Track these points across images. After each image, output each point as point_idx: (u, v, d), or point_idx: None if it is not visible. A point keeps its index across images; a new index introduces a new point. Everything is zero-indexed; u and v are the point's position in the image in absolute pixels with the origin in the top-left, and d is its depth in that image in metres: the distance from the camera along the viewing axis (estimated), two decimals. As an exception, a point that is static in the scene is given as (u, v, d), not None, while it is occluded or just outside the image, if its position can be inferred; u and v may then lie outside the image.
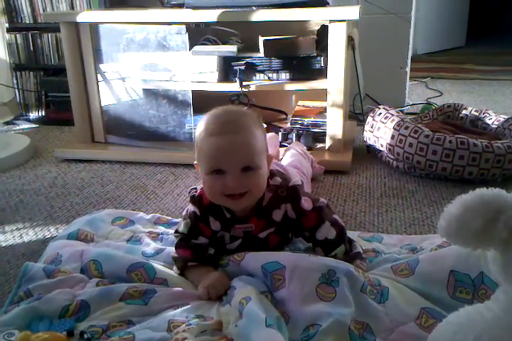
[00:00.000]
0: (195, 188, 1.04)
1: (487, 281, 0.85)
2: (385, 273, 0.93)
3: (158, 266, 0.98)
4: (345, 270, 0.87)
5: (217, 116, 0.95)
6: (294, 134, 1.73)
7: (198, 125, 0.96)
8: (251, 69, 1.72)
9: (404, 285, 0.90)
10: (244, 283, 0.90)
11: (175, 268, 0.99)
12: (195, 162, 0.99)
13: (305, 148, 1.58)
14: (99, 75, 1.78)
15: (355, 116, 2.09)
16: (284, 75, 1.72)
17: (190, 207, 1.01)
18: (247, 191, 0.92)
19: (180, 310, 0.86)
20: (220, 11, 1.59)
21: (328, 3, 1.67)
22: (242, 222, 0.99)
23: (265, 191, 0.97)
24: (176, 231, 1.03)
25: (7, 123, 2.32)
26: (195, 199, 1.00)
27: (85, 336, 0.81)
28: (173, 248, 1.02)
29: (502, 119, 1.74)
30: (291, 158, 1.43)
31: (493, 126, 1.75)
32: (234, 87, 1.70)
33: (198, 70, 1.72)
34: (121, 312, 0.87)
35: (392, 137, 1.55)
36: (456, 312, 0.71)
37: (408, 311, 0.84)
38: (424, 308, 0.85)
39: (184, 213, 1.04)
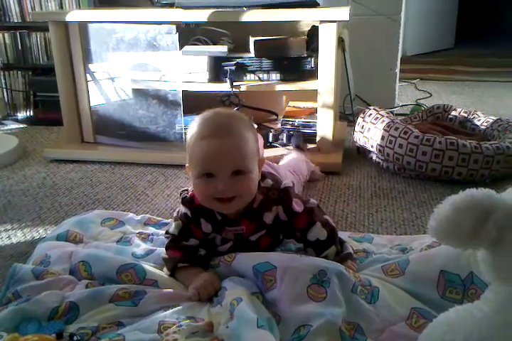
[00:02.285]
0: (187, 190, 1.03)
1: (477, 281, 0.85)
2: (376, 274, 0.94)
3: (148, 267, 0.97)
4: (336, 270, 0.87)
5: (208, 119, 0.94)
6: (285, 135, 1.73)
7: (190, 128, 0.95)
8: (241, 70, 1.72)
9: (394, 286, 0.90)
10: (235, 283, 0.90)
11: (165, 269, 0.98)
12: (187, 165, 0.98)
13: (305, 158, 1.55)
14: (88, 75, 1.77)
15: (346, 117, 2.10)
16: (275, 76, 1.72)
17: (182, 209, 1.01)
18: (236, 195, 0.92)
19: (170, 311, 0.86)
20: (210, 11, 1.58)
21: (318, 4, 1.67)
22: (233, 225, 0.98)
23: (256, 193, 0.97)
24: (167, 232, 1.02)
25: (-5, 123, 2.30)
26: (187, 201, 1.00)
27: (75, 338, 0.80)
28: (164, 249, 1.01)
29: (491, 120, 1.75)
30: (287, 161, 1.44)
31: (482, 127, 1.76)
32: (224, 87, 1.70)
33: (189, 70, 1.71)
34: (111, 314, 0.86)
35: (382, 138, 1.55)
36: (446, 312, 0.71)
37: (398, 311, 0.85)
38: (414, 308, 0.85)
39: (175, 214, 1.03)
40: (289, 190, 1.00)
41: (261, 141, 1.60)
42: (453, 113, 1.86)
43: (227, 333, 0.79)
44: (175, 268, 0.97)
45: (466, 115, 1.83)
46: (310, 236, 0.98)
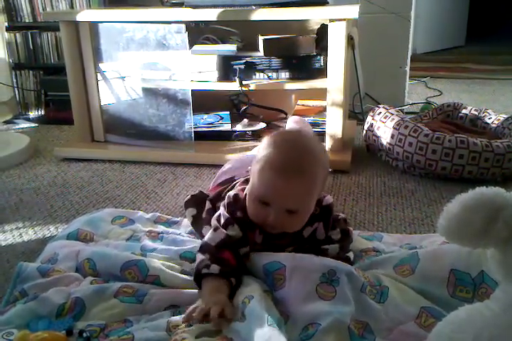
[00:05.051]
0: (238, 195, 0.97)
1: (487, 280, 0.85)
2: (386, 271, 0.93)
3: (151, 262, 0.96)
4: (345, 270, 0.87)
5: (284, 149, 0.90)
6: (294, 133, 1.73)
7: (265, 144, 0.92)
8: (251, 69, 1.72)
9: (404, 285, 0.90)
10: (247, 281, 0.89)
11: (201, 266, 0.88)
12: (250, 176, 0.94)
13: (306, 122, 1.60)
14: (98, 74, 1.78)
15: (355, 115, 2.09)
16: (284, 74, 1.72)
17: (239, 213, 0.95)
18: (283, 230, 0.93)
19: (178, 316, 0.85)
20: (219, 10, 1.59)
21: (327, 2, 1.67)
22: (279, 238, 0.97)
23: None
24: (219, 227, 0.94)
25: (7, 122, 2.32)
26: (240, 207, 0.95)
27: (84, 335, 0.81)
28: (209, 241, 0.92)
29: (502, 118, 1.74)
30: None
31: (493, 125, 1.75)
32: (234, 86, 1.70)
33: (198, 69, 1.72)
34: (117, 311, 0.86)
35: (392, 136, 1.55)
36: (456, 311, 0.71)
37: (408, 310, 0.84)
38: (423, 307, 0.84)
39: (222, 219, 0.95)
40: (331, 207, 1.00)
41: None
42: (463, 111, 1.85)
43: (235, 329, 0.79)
44: (224, 274, 0.87)
45: (476, 113, 1.82)
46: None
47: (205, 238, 0.95)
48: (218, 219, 0.96)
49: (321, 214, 0.99)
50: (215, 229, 0.94)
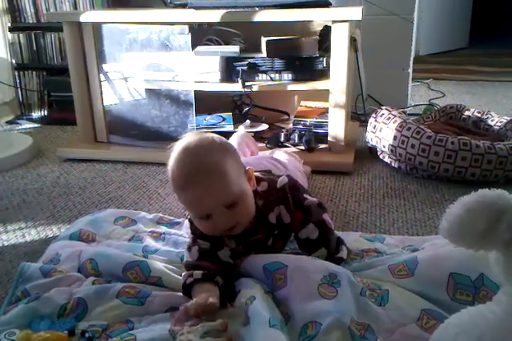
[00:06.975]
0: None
1: (487, 283, 0.85)
2: (384, 276, 0.92)
3: (154, 264, 0.96)
4: (346, 275, 0.87)
5: (179, 163, 0.91)
6: (296, 135, 1.73)
7: (169, 167, 0.93)
8: (253, 70, 1.72)
9: (404, 288, 0.90)
10: (248, 283, 0.90)
11: (187, 276, 0.91)
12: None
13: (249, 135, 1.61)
14: (101, 75, 1.78)
15: (358, 116, 2.09)
16: (287, 76, 1.72)
17: (199, 231, 0.97)
18: (236, 223, 0.92)
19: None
20: (222, 11, 1.59)
21: (330, 4, 1.67)
22: (252, 234, 0.97)
23: (256, 200, 0.96)
24: (191, 246, 0.97)
25: (10, 122, 2.33)
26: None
27: (86, 335, 0.81)
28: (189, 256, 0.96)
29: (505, 120, 1.73)
30: (286, 159, 1.41)
31: (496, 127, 1.75)
32: (236, 87, 1.70)
33: (201, 70, 1.72)
34: (119, 312, 0.87)
35: (395, 138, 1.55)
36: (458, 314, 0.71)
37: (409, 312, 0.84)
38: (424, 309, 0.84)
39: (191, 238, 0.98)
40: (285, 187, 0.99)
41: (251, 140, 1.58)
42: (466, 113, 1.85)
43: (240, 332, 0.79)
44: (207, 278, 0.90)
45: (479, 115, 1.82)
46: (301, 234, 0.98)
47: (185, 259, 0.97)
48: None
49: (279, 197, 0.98)
50: (189, 249, 0.96)
